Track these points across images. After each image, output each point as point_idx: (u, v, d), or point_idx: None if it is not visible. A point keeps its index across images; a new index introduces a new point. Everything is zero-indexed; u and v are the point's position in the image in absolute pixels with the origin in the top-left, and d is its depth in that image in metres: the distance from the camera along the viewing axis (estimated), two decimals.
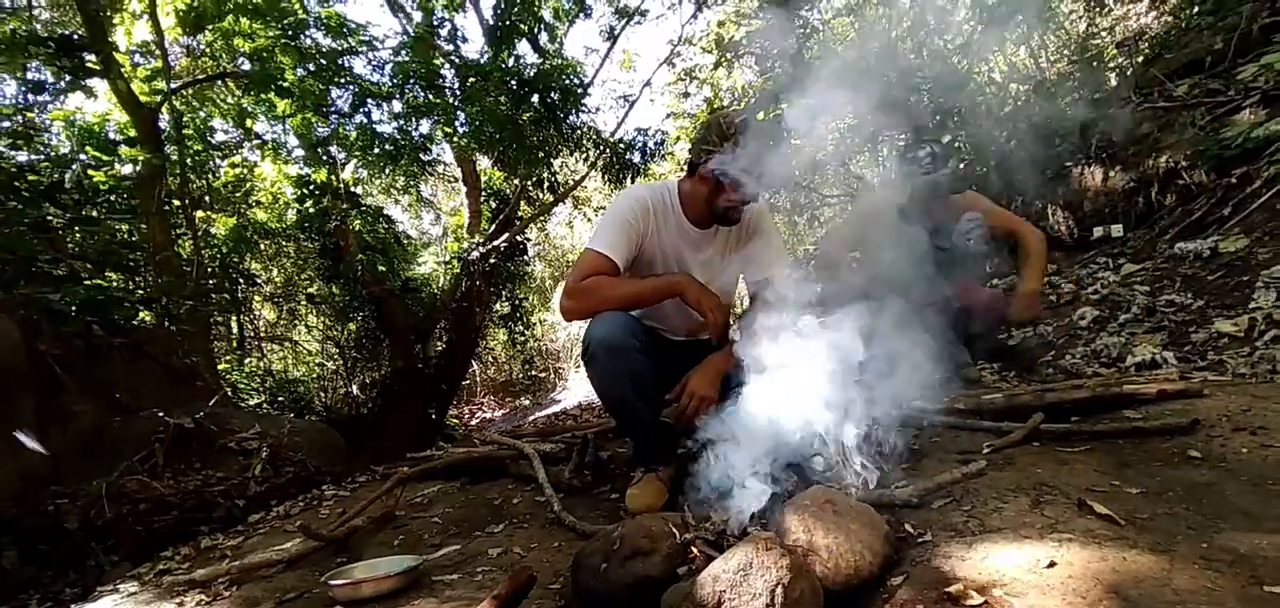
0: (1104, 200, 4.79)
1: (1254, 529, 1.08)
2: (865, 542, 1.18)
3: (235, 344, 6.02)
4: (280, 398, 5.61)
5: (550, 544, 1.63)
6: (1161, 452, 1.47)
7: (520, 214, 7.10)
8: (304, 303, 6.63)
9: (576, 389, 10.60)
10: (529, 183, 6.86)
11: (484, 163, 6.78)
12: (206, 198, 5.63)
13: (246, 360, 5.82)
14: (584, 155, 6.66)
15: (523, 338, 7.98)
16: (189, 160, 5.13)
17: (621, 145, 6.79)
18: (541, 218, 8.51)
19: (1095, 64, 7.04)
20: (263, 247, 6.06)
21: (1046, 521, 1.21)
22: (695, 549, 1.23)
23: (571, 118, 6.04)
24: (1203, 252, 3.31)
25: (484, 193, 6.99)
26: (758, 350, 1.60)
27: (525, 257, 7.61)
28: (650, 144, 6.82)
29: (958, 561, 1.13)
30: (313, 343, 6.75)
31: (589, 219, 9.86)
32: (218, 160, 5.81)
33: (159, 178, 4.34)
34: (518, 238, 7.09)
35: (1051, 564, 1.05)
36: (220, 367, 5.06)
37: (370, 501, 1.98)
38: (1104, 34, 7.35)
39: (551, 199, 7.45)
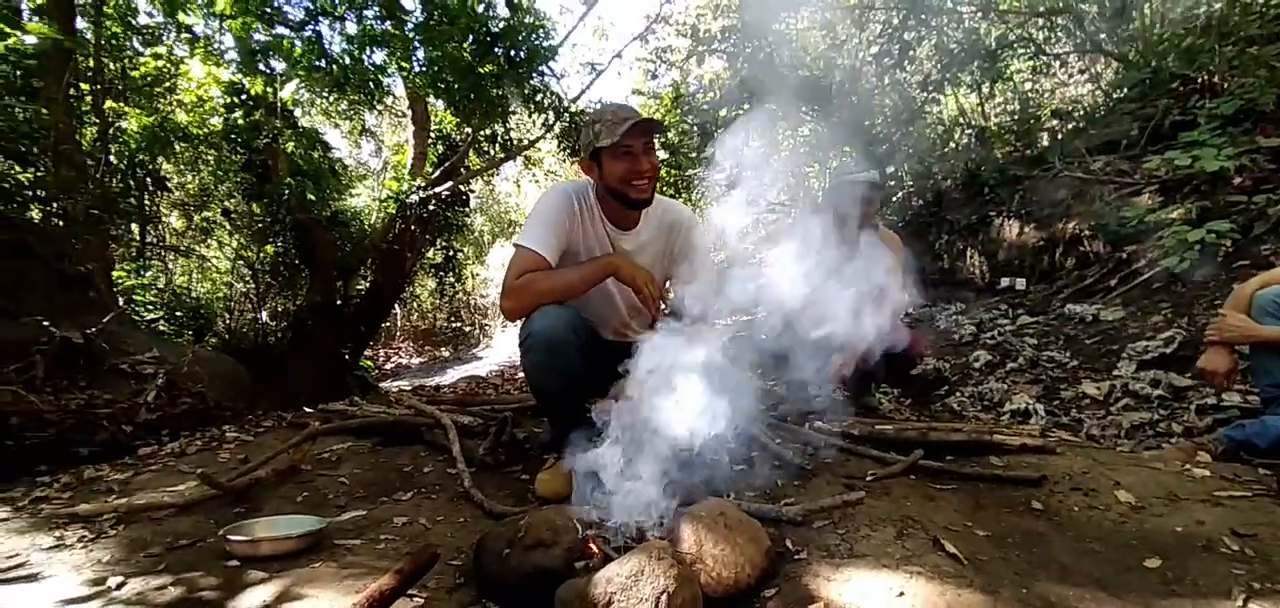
0: (1015, 253, 5.23)
1: (1064, 581, 1.28)
2: (748, 555, 1.29)
3: (135, 250, 5.54)
4: (179, 314, 5.23)
5: (456, 519, 1.66)
6: (1011, 500, 1.67)
7: (467, 163, 6.88)
8: (219, 215, 6.17)
9: (500, 349, 10.45)
10: (481, 135, 6.66)
11: (438, 104, 6.52)
12: (120, 87, 5.09)
13: (147, 270, 5.37)
14: (543, 117, 6.53)
15: (453, 289, 7.79)
16: (104, 41, 4.62)
17: (583, 115, 6.70)
18: (489, 172, 8.28)
19: (1032, 123, 7.57)
20: (179, 151, 5.57)
21: (905, 553, 1.37)
22: (594, 546, 1.30)
23: (534, 79, 5.89)
24: (1087, 316, 3.70)
25: (433, 135, 6.72)
26: (671, 357, 1.67)
27: (466, 208, 7.39)
28: None
29: (824, 581, 1.27)
30: (223, 261, 6.31)
31: (538, 181, 9.68)
32: (139, 47, 5.26)
33: (69, 59, 3.89)
34: (462, 187, 6.88)
35: (901, 594, 1.20)
36: (115, 273, 4.66)
37: (276, 452, 1.94)
38: (1046, 96, 7.89)
39: (502, 156, 7.27)
